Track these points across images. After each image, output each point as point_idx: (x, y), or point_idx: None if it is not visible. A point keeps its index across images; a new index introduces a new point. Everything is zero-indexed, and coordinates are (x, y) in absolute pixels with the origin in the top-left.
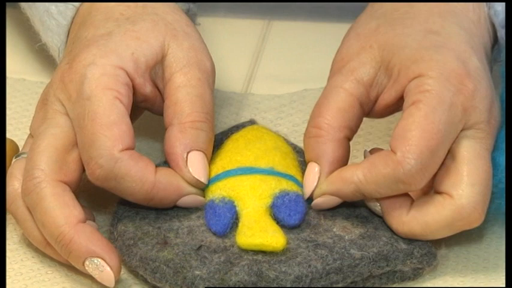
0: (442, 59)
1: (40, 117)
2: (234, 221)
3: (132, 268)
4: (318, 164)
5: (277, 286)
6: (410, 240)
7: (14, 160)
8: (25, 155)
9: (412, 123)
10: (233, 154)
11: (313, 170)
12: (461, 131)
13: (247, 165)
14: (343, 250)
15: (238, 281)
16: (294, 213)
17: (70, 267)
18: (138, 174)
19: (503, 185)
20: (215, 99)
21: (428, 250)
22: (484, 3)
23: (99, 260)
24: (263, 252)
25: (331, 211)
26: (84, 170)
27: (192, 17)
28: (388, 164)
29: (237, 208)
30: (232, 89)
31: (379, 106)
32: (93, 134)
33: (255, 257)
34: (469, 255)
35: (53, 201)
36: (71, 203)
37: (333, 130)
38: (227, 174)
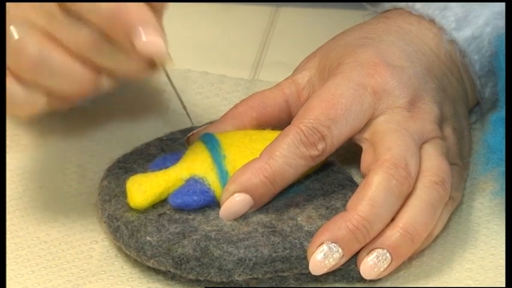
0: (362, 51)
1: None
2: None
3: (102, 224)
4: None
5: (219, 265)
6: None
7: None
8: None
9: (312, 97)
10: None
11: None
12: (377, 117)
13: (219, 144)
14: (296, 240)
15: (182, 254)
16: (177, 197)
17: (78, 253)
18: None
19: (502, 169)
20: (223, 85)
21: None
22: (458, 52)
23: None
24: (217, 230)
25: (306, 199)
26: None
27: None
28: (286, 133)
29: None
30: (240, 75)
31: None
32: None
33: (208, 234)
34: (464, 253)
35: None
36: None
37: (244, 103)
38: (204, 137)
